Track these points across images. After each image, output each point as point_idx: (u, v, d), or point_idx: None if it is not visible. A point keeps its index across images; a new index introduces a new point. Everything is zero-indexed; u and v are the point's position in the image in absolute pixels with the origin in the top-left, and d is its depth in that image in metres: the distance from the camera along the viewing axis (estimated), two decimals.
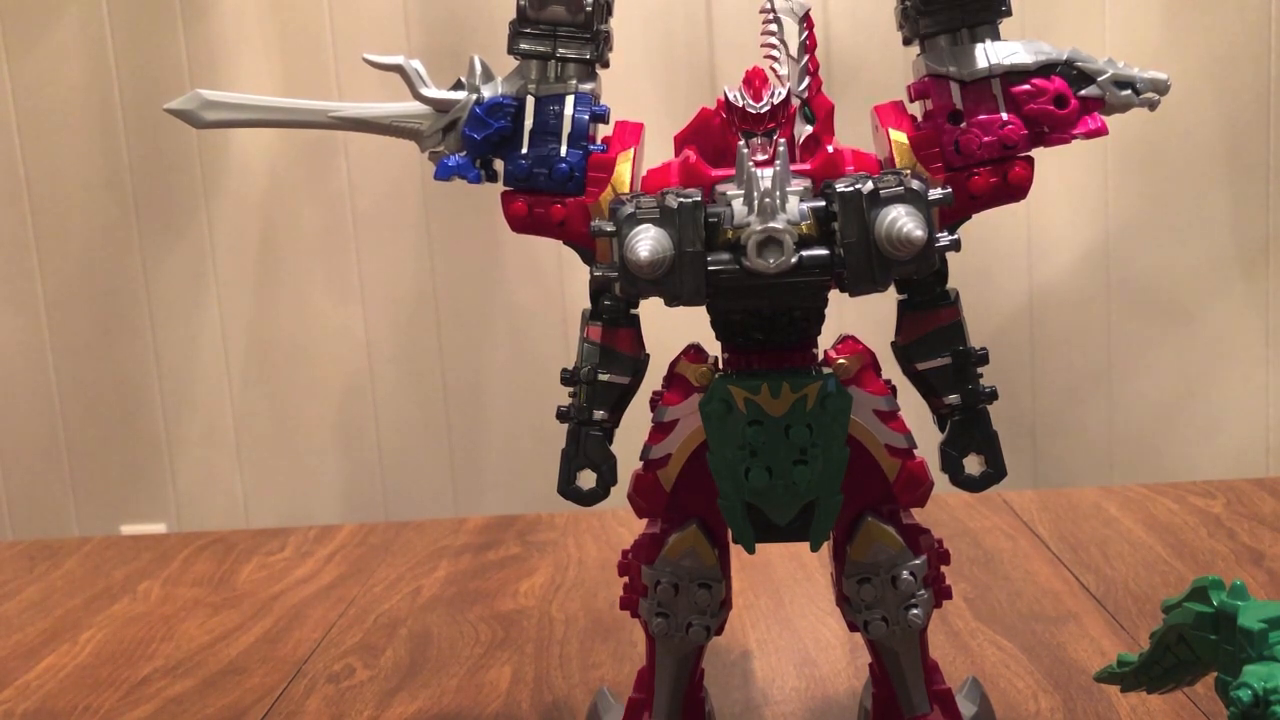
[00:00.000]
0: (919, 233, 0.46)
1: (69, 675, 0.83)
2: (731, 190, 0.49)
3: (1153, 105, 0.53)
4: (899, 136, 0.53)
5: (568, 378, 0.56)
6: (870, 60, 1.18)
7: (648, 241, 0.46)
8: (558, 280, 1.25)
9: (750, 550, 0.53)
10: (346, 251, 1.26)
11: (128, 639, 0.89)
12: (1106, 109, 0.53)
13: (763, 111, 0.50)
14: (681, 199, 0.47)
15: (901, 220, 0.46)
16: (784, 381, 0.51)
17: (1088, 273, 1.23)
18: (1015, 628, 0.79)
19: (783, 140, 0.50)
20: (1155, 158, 1.21)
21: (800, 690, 0.73)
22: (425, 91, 0.55)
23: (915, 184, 0.47)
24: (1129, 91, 0.53)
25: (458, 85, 0.55)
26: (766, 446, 0.51)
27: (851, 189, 0.47)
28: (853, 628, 0.56)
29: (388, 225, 1.26)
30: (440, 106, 0.55)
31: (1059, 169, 1.18)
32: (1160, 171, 1.21)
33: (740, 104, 0.51)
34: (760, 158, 0.50)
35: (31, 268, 1.29)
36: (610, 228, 0.48)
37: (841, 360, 0.52)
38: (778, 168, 0.47)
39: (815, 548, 0.54)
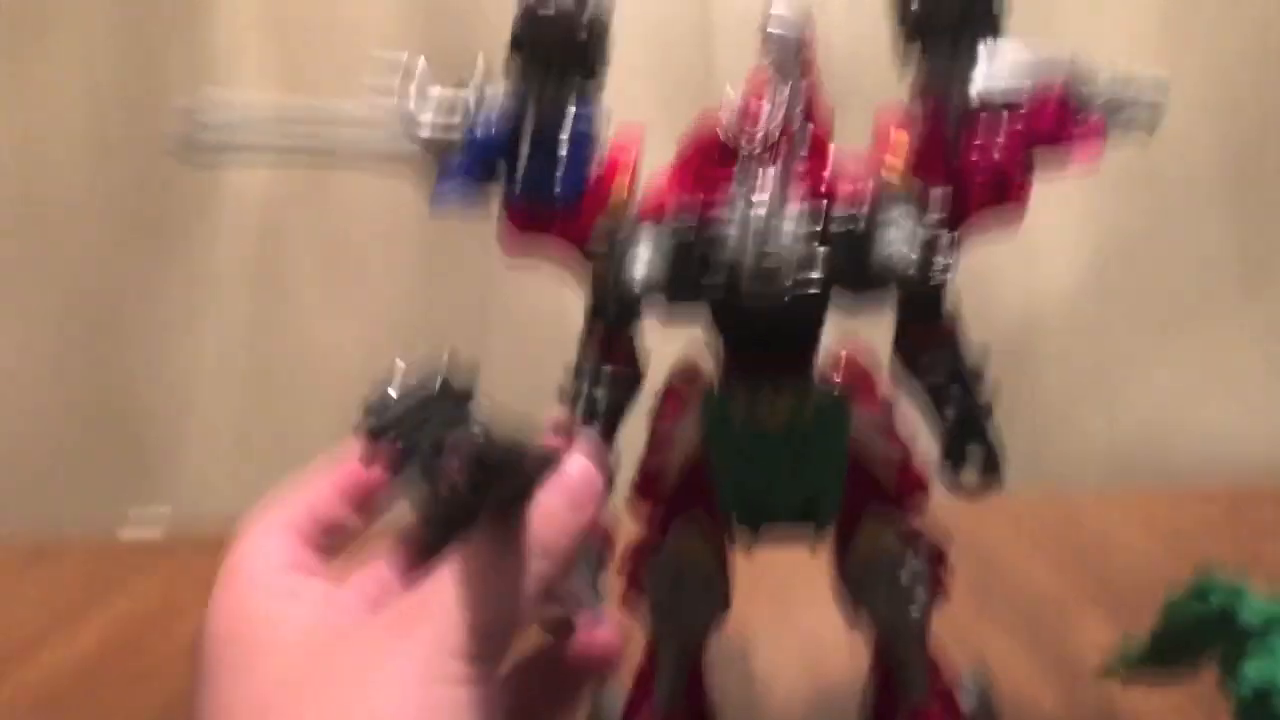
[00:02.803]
0: (912, 256, 0.46)
1: (69, 675, 0.83)
2: (728, 212, 0.49)
3: (1151, 130, 0.52)
4: (896, 159, 0.52)
5: (565, 391, 0.56)
6: (870, 61, 1.18)
7: (641, 265, 0.47)
8: (558, 284, 1.25)
9: (748, 553, 0.54)
10: (346, 260, 1.26)
11: (128, 639, 0.89)
12: (1104, 131, 0.52)
13: (755, 152, 0.50)
14: (676, 223, 0.47)
15: (895, 245, 0.47)
16: (783, 396, 0.50)
17: (1087, 281, 1.23)
18: (1015, 628, 0.79)
19: (775, 166, 0.50)
20: (1154, 172, 1.20)
21: (800, 689, 0.73)
22: (420, 132, 0.53)
23: (913, 208, 0.48)
24: (1126, 114, 0.52)
25: (459, 84, 0.54)
26: (765, 459, 0.51)
27: (846, 213, 0.47)
28: (853, 628, 0.56)
29: (387, 234, 1.26)
30: (432, 148, 0.53)
31: (1055, 183, 1.17)
32: (1159, 186, 1.21)
33: (733, 142, 0.50)
34: (754, 181, 0.50)
35: (31, 272, 1.29)
36: (603, 249, 0.49)
37: (841, 370, 0.52)
38: (773, 192, 0.47)
39: (814, 552, 0.54)
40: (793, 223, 0.48)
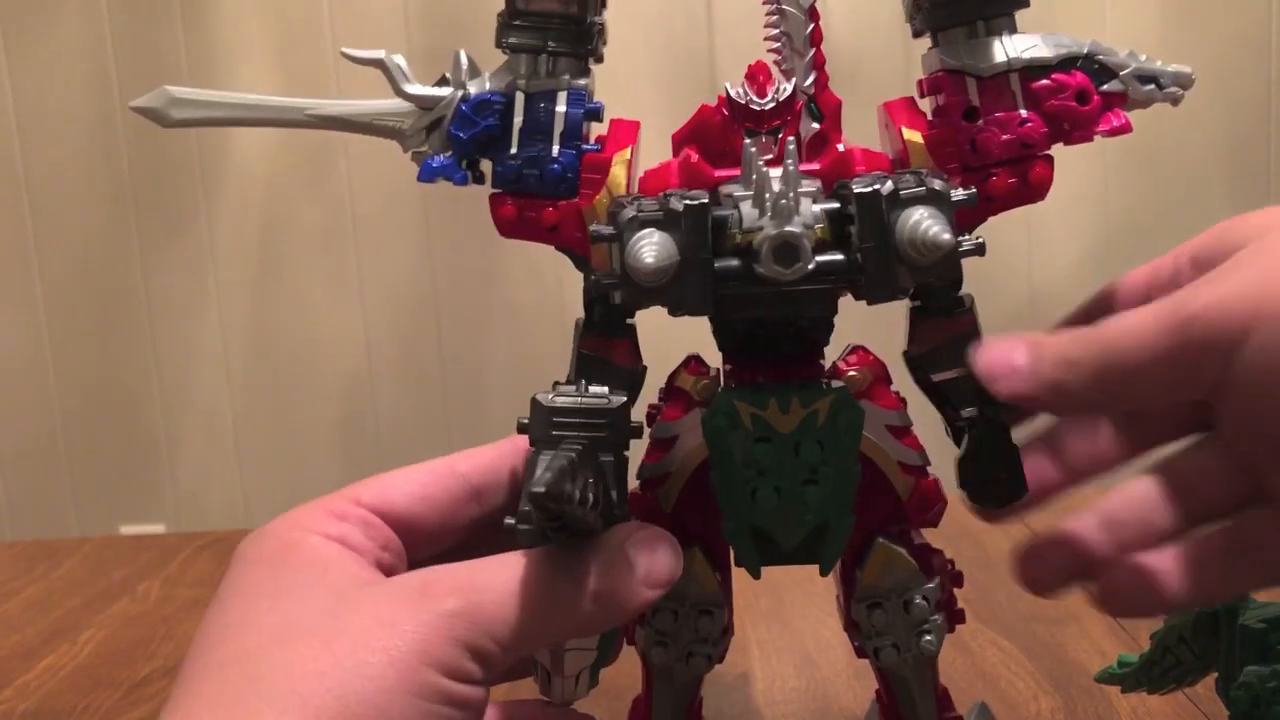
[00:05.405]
0: (946, 236, 0.42)
1: (69, 675, 0.83)
2: (738, 191, 0.45)
3: (1176, 100, 0.51)
4: (913, 136, 0.50)
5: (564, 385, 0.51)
6: (870, 59, 1.18)
7: (652, 247, 0.42)
8: (557, 280, 1.25)
9: (756, 575, 0.50)
10: (346, 252, 1.26)
11: (128, 639, 0.89)
12: (1129, 104, 0.51)
13: (766, 108, 0.48)
14: (687, 201, 0.43)
15: (926, 223, 0.43)
16: (793, 396, 0.47)
17: (1087, 274, 1.23)
18: (1015, 628, 0.79)
19: (791, 138, 0.47)
20: (1155, 158, 1.21)
21: (800, 691, 0.73)
22: (408, 88, 0.51)
23: (937, 184, 0.44)
24: (1152, 86, 0.50)
25: (442, 81, 0.52)
26: (775, 465, 0.47)
27: (869, 189, 0.43)
28: (860, 654, 0.53)
29: (388, 225, 1.26)
30: (424, 104, 0.51)
31: (1058, 170, 1.18)
32: (1160, 172, 1.21)
33: (743, 100, 0.48)
34: (766, 157, 0.47)
35: (31, 267, 1.29)
36: (609, 232, 0.44)
37: (852, 372, 0.49)
38: (788, 167, 0.43)
39: (825, 571, 0.50)
40: (810, 197, 0.44)
